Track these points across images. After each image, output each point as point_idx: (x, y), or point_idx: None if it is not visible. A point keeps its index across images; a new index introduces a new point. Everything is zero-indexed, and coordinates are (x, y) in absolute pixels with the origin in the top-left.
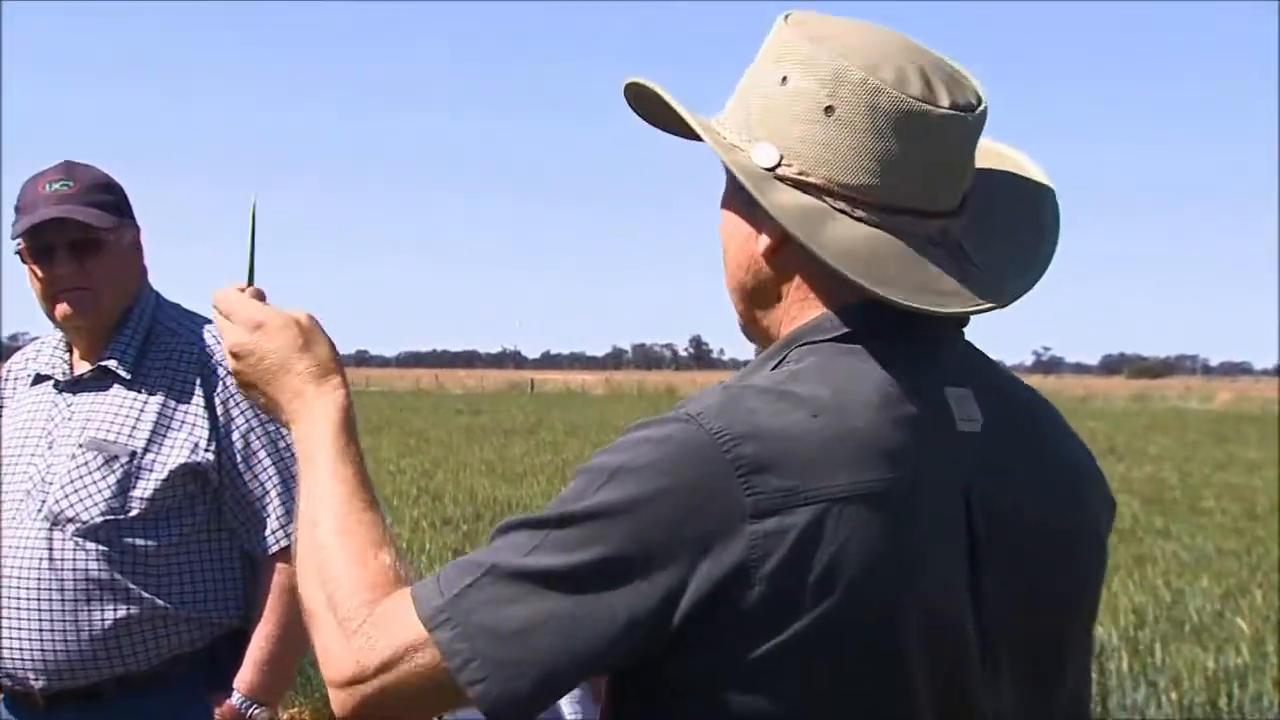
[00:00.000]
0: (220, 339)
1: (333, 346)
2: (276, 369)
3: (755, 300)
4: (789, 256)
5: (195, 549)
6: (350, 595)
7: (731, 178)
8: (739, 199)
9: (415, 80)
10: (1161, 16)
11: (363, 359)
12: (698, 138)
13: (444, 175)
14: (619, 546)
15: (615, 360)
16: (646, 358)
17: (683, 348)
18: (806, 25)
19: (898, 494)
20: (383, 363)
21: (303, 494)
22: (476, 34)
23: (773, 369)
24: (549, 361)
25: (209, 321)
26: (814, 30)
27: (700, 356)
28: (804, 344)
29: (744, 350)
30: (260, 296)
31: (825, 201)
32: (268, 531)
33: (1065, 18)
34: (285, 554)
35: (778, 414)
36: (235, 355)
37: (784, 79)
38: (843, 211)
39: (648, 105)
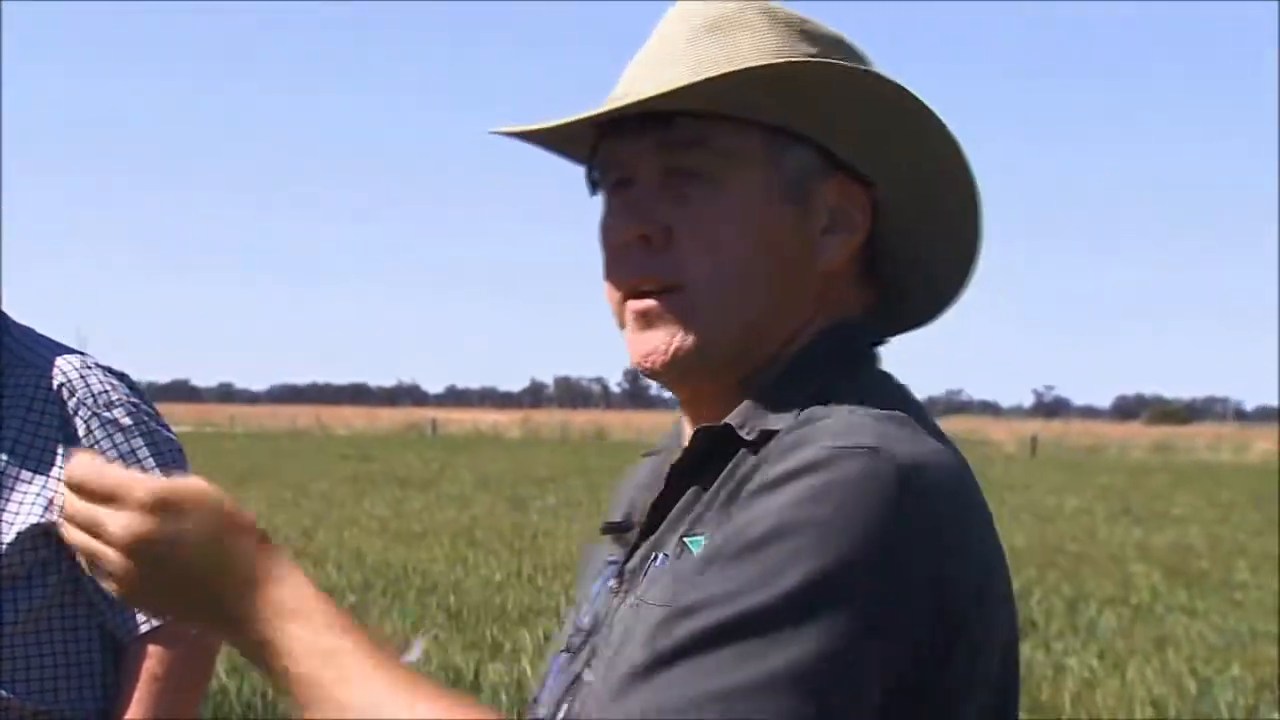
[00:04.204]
0: (92, 540)
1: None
2: (213, 562)
3: (767, 302)
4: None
5: (45, 627)
6: None
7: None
8: (812, 173)
9: (270, 58)
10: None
11: (227, 394)
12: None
13: (316, 163)
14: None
15: (534, 396)
16: (571, 393)
17: (615, 382)
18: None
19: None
20: (251, 398)
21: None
22: None
23: (821, 387)
24: (454, 398)
25: (71, 350)
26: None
27: (636, 393)
28: (837, 359)
29: None
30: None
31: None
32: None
33: (1081, 19)
34: (156, 635)
35: (917, 440)
36: (132, 553)
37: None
38: None
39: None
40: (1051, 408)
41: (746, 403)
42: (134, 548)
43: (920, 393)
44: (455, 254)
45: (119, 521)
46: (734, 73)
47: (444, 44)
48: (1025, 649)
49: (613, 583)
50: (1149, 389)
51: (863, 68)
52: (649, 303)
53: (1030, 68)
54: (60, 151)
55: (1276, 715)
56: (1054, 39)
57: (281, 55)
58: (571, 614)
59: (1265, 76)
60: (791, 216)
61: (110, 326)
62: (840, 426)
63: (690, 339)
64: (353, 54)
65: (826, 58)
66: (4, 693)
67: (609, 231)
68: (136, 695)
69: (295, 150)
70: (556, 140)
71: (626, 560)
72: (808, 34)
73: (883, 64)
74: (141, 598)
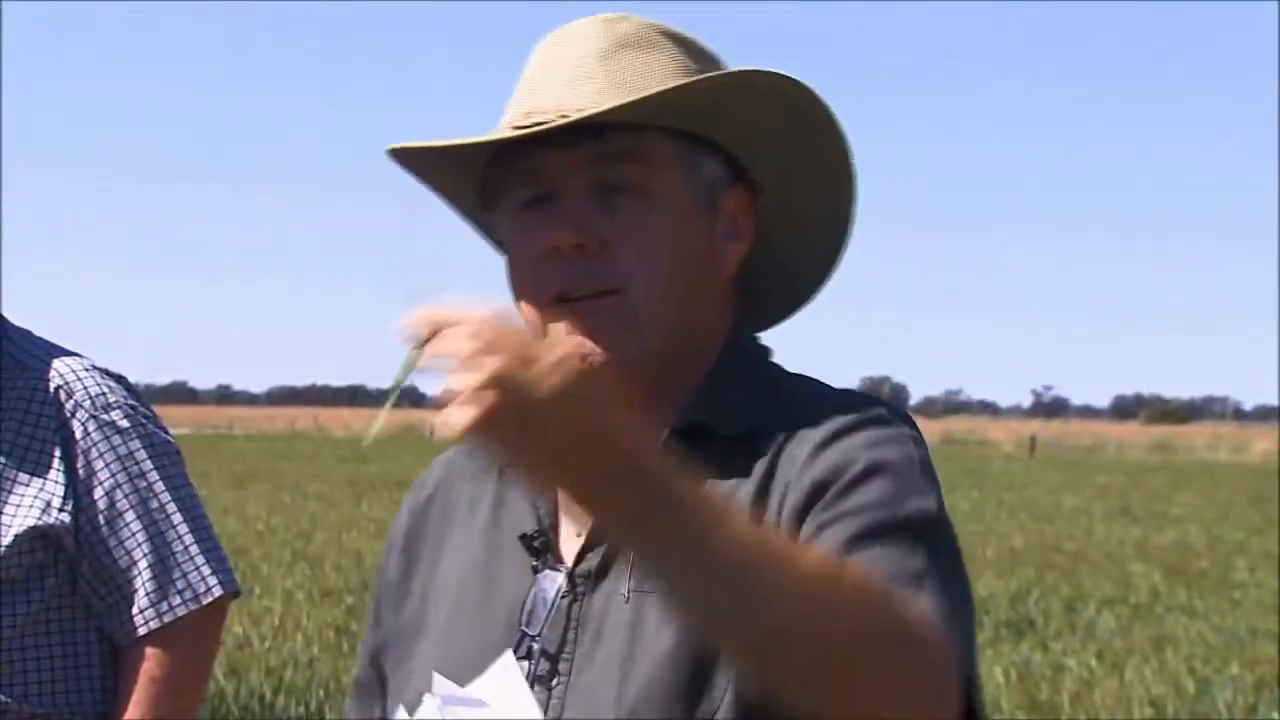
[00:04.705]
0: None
1: None
2: (606, 411)
3: (691, 307)
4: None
5: (43, 630)
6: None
7: (712, 159)
8: (719, 182)
9: (270, 65)
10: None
11: (225, 396)
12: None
13: (316, 163)
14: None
15: None
16: None
17: None
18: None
19: None
20: (249, 400)
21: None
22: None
23: (763, 384)
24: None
25: (68, 353)
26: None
27: None
28: (754, 361)
29: None
30: None
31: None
32: (134, 611)
33: (1080, 17)
34: (154, 638)
35: None
36: (562, 402)
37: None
38: None
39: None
40: (1050, 407)
41: (691, 405)
42: (560, 391)
43: (919, 392)
44: (454, 254)
45: (552, 368)
46: (688, 84)
47: (444, 43)
48: (1024, 649)
49: (563, 587)
50: (1148, 388)
51: (783, 73)
52: (589, 304)
53: (1030, 68)
54: (60, 151)
55: (1276, 715)
56: (1054, 39)
57: (281, 55)
58: (450, 629)
59: (1265, 76)
60: (706, 223)
61: (110, 327)
62: (858, 396)
63: (631, 341)
64: (353, 54)
65: (714, 70)
66: (2, 696)
67: (534, 242)
68: (135, 698)
69: (295, 150)
70: (436, 163)
71: (575, 565)
72: (694, 50)
73: (877, 64)
74: (533, 445)
